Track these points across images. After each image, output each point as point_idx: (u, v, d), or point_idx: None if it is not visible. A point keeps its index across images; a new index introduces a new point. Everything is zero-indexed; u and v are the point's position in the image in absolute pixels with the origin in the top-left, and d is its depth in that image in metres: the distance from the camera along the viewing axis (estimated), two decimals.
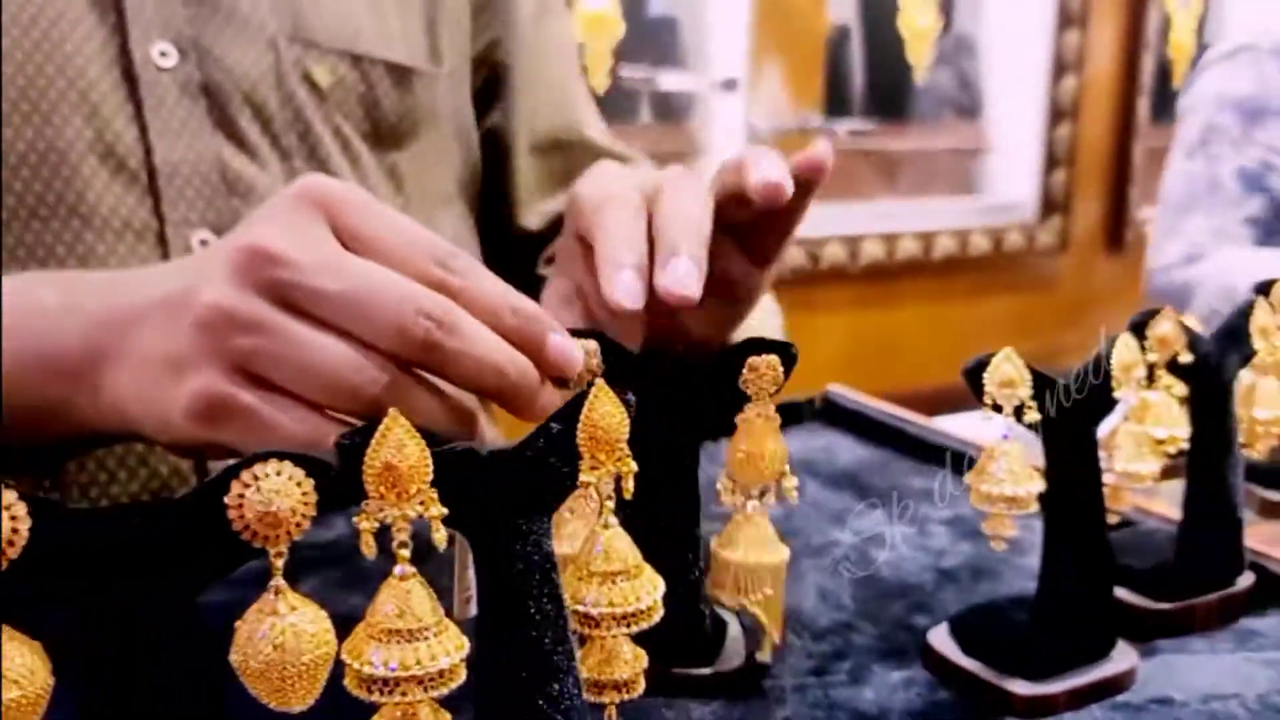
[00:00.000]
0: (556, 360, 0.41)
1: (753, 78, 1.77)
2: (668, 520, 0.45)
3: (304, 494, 0.29)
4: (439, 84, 0.73)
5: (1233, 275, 1.37)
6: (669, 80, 1.79)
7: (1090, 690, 0.44)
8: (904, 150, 1.99)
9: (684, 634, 0.45)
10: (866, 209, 1.84)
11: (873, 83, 1.98)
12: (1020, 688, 0.43)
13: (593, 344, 0.43)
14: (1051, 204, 1.99)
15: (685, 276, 0.45)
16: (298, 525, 0.29)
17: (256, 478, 0.28)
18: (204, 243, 0.64)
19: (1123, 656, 0.46)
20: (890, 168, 1.99)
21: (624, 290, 0.45)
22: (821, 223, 1.80)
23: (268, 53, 0.65)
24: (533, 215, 0.80)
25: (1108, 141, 2.05)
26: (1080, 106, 1.99)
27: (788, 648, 0.48)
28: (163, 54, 0.63)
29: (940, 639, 0.47)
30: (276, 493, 0.28)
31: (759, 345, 0.44)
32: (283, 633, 0.29)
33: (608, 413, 0.34)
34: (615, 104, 1.77)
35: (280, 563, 0.29)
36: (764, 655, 0.45)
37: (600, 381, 0.34)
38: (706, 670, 0.45)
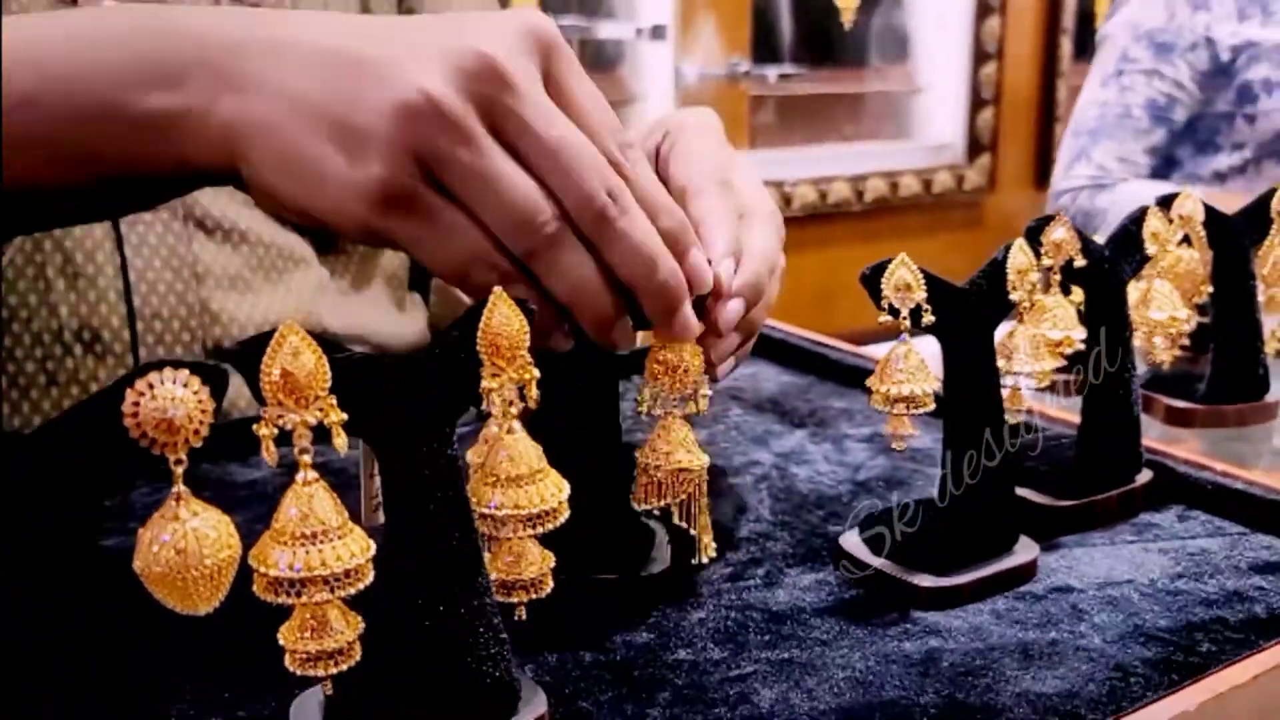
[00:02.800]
0: (691, 273, 0.42)
1: (681, 24, 1.77)
2: (589, 432, 0.46)
3: (200, 401, 0.29)
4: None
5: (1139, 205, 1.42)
6: (597, 28, 1.78)
7: (992, 581, 0.46)
8: (833, 94, 2.00)
9: (609, 542, 0.46)
10: (797, 154, 1.86)
11: (801, 28, 1.98)
12: (925, 581, 0.45)
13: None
14: (979, 144, 2.02)
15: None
16: (195, 432, 0.29)
17: (151, 385, 0.29)
18: None
19: (1025, 550, 0.48)
20: (820, 112, 2.00)
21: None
22: (754, 169, 1.81)
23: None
24: None
25: (1033, 81, 2.07)
26: (1004, 47, 2.01)
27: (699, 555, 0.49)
28: None
29: (851, 541, 0.48)
30: (172, 400, 0.29)
31: None
32: (184, 537, 0.29)
33: (506, 319, 0.35)
34: None
35: (180, 470, 0.29)
36: (698, 558, 0.47)
37: (498, 289, 0.35)
38: (628, 576, 0.46)
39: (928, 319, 0.43)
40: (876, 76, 2.06)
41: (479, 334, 0.34)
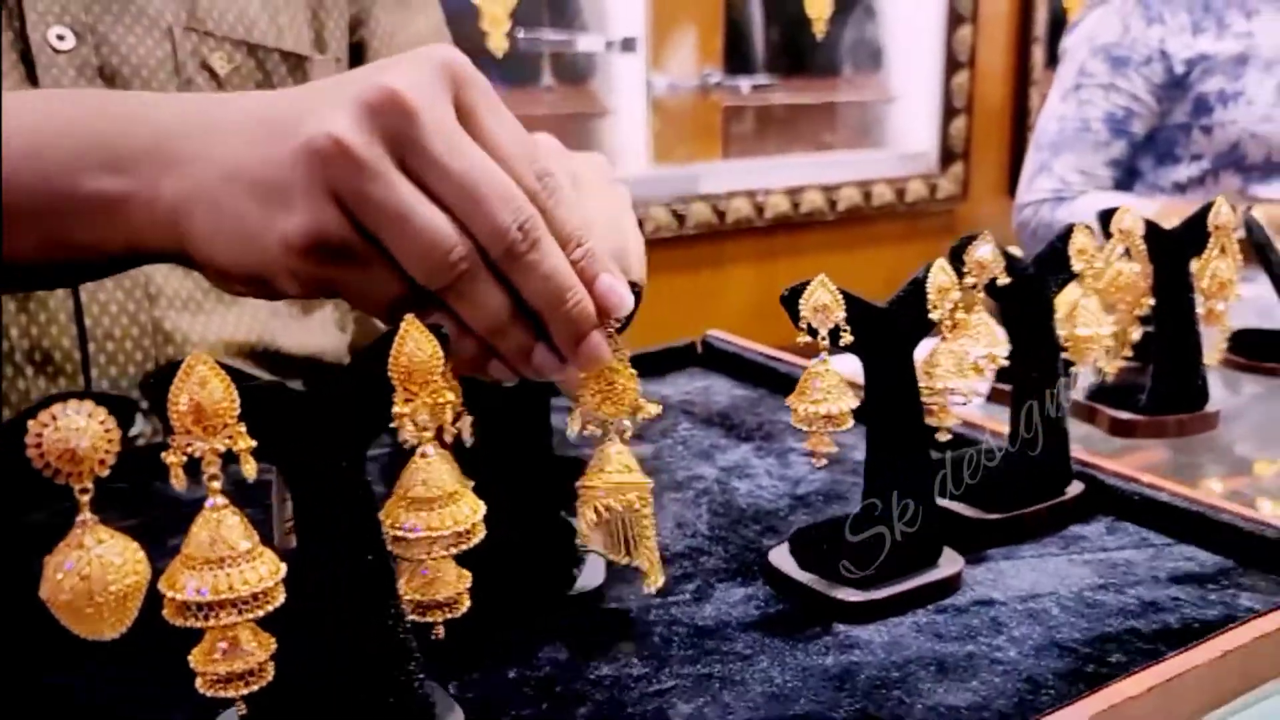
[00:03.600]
0: (604, 297, 0.42)
1: (653, 36, 1.78)
2: (520, 448, 0.47)
3: (106, 431, 0.30)
4: (330, 70, 0.76)
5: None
6: (568, 42, 1.79)
7: (914, 594, 0.47)
8: (806, 104, 2.02)
9: (541, 559, 0.47)
10: (770, 164, 1.87)
11: (773, 38, 2.00)
12: (849, 595, 0.46)
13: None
14: (951, 153, 2.03)
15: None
16: (101, 462, 0.30)
17: (55, 417, 0.29)
18: None
19: (949, 564, 0.49)
20: (793, 122, 2.01)
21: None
22: (727, 179, 1.82)
23: (164, 41, 0.67)
24: None
25: (1005, 90, 2.09)
26: (976, 56, 2.03)
27: (638, 573, 0.50)
28: (59, 37, 0.64)
29: (780, 556, 0.49)
30: (76, 430, 0.29)
31: None
32: (89, 564, 0.30)
33: (419, 346, 0.36)
34: (516, 67, 1.76)
35: (86, 499, 0.30)
36: (651, 586, 0.46)
37: (410, 316, 0.36)
38: (558, 594, 0.47)
39: (846, 339, 0.44)
40: (850, 86, 2.08)
41: (391, 361, 0.35)
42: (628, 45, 1.79)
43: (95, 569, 0.30)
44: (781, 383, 0.77)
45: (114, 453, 0.30)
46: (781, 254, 1.90)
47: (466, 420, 0.47)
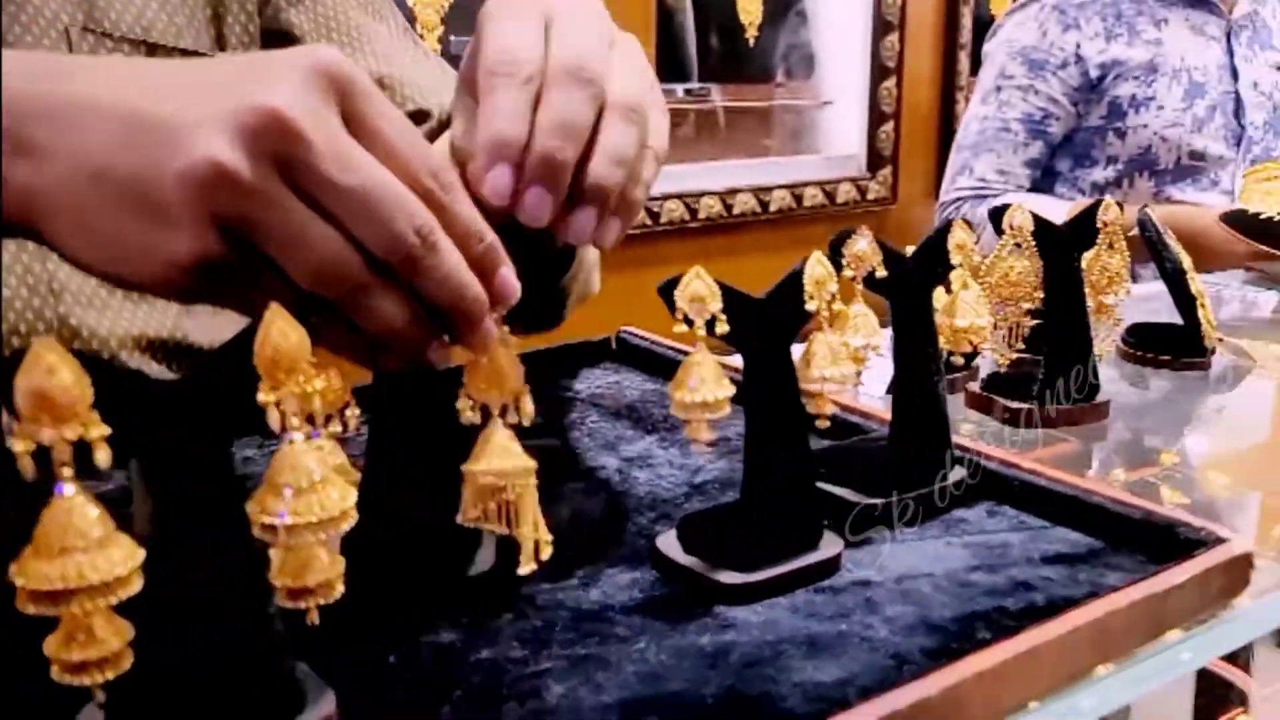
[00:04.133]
0: (500, 290, 0.43)
1: None
2: (415, 433, 0.47)
3: None
4: None
5: None
6: None
7: (793, 576, 0.48)
8: (739, 109, 2.04)
9: (433, 543, 0.48)
10: (703, 168, 1.89)
11: (706, 44, 2.02)
12: (728, 578, 0.47)
13: None
14: (880, 157, 2.07)
15: (535, 208, 0.45)
16: None
17: None
18: None
19: (829, 546, 0.50)
20: (727, 126, 2.03)
21: (493, 188, 0.44)
22: (661, 182, 1.83)
23: (60, 42, 0.66)
24: None
25: (931, 95, 2.13)
26: (903, 63, 2.07)
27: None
28: None
29: (667, 542, 0.50)
30: None
31: None
32: None
33: (284, 333, 0.36)
34: None
35: None
36: (524, 568, 0.47)
37: (275, 305, 0.36)
38: (447, 578, 0.48)
39: (721, 328, 0.45)
40: (783, 91, 2.10)
41: (256, 349, 0.36)
42: None
43: None
44: None
45: None
46: (715, 255, 1.92)
47: (354, 410, 0.48)
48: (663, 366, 0.81)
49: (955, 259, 0.56)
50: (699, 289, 0.45)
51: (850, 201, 2.05)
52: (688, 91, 2.00)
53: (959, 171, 1.61)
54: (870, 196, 2.07)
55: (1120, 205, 0.74)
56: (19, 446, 0.31)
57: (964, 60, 2.16)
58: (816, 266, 0.49)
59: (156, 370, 0.70)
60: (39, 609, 0.32)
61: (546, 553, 0.46)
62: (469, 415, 0.48)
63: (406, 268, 0.40)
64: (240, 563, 0.36)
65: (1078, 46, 1.55)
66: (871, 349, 0.51)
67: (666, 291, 0.45)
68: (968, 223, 0.57)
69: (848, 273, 0.52)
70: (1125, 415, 0.81)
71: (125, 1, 0.70)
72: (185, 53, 0.72)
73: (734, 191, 1.91)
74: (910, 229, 2.18)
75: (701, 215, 1.87)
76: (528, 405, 0.48)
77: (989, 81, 1.61)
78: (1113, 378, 0.90)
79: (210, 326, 0.75)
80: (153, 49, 0.70)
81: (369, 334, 0.41)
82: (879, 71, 2.03)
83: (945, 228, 0.56)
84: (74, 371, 0.32)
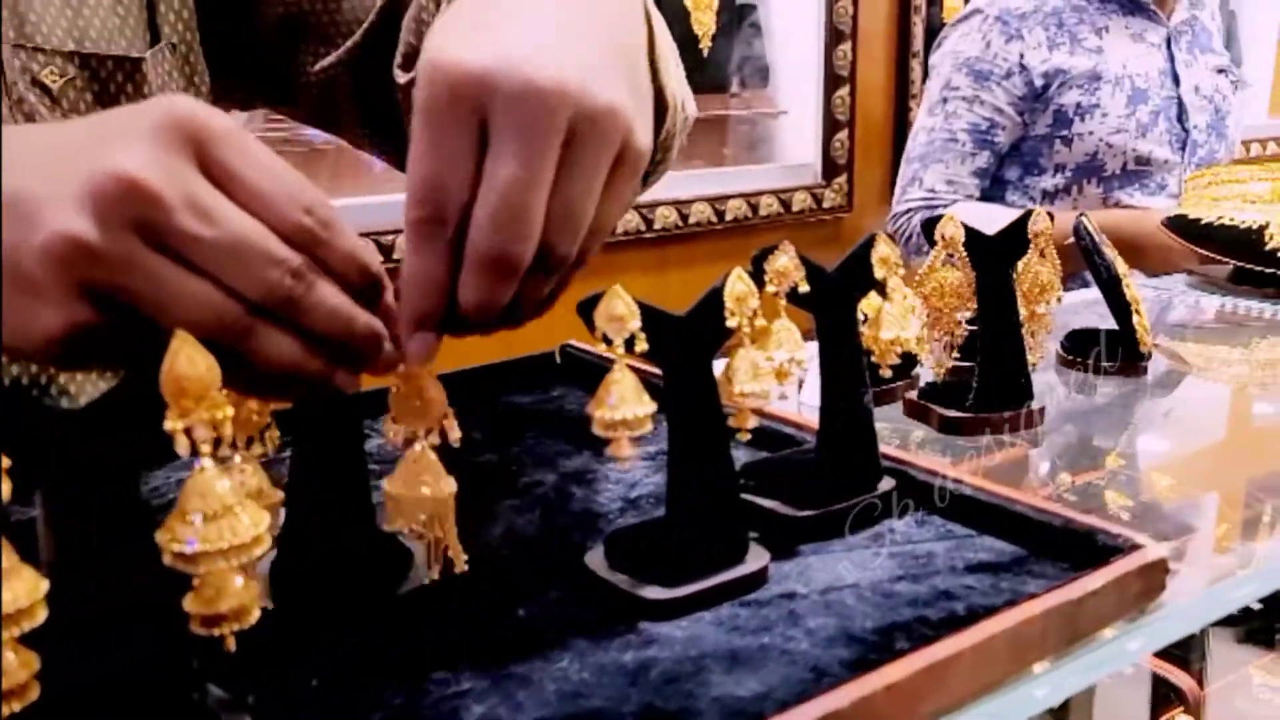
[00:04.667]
0: (386, 314, 0.44)
1: None
2: (340, 449, 0.48)
3: None
4: (165, 60, 0.74)
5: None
6: None
7: (718, 590, 0.49)
8: (694, 119, 2.04)
9: (360, 563, 0.48)
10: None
11: None
12: (652, 593, 0.48)
13: None
14: (835, 166, 2.09)
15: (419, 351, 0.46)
16: None
17: None
18: None
19: (755, 559, 0.51)
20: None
21: (414, 355, 0.46)
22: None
23: None
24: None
25: (885, 104, 2.16)
26: (856, 72, 2.09)
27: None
28: None
29: (595, 558, 0.51)
30: None
31: None
32: None
33: (191, 362, 0.36)
34: None
35: None
36: (430, 577, 0.49)
37: (181, 332, 0.36)
38: (371, 598, 0.48)
39: (641, 346, 0.46)
40: (737, 101, 2.12)
41: (162, 377, 0.36)
42: None
43: None
44: None
45: None
46: (672, 264, 1.93)
47: (273, 433, 0.48)
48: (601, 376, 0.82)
49: (879, 272, 0.56)
50: (618, 308, 0.46)
51: (806, 210, 2.07)
52: None
53: (909, 183, 1.63)
54: (825, 204, 2.09)
55: (1051, 216, 0.75)
56: None
57: (916, 69, 2.18)
58: (737, 283, 0.49)
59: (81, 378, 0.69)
60: None
61: (461, 568, 0.48)
62: (394, 439, 0.49)
63: (289, 309, 0.40)
64: (149, 588, 0.36)
65: (1021, 56, 1.58)
66: (795, 364, 0.52)
67: (585, 310, 0.46)
68: (891, 236, 0.58)
69: (770, 288, 0.52)
70: (1066, 421, 0.83)
71: (57, 13, 0.69)
72: (119, 60, 0.71)
73: (689, 201, 1.92)
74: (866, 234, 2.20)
75: (657, 225, 1.88)
76: (453, 430, 0.49)
77: (935, 93, 1.63)
78: (1052, 384, 0.91)
79: None
80: (85, 59, 0.69)
81: (267, 372, 0.41)
82: (832, 80, 2.05)
83: (868, 241, 0.57)
84: None
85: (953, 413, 0.75)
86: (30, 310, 0.38)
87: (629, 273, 1.89)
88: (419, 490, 0.48)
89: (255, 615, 0.39)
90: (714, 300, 0.49)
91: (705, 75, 2.11)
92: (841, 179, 2.10)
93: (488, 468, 0.67)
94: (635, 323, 0.46)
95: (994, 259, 0.74)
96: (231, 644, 0.39)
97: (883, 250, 0.57)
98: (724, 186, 1.97)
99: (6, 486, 0.33)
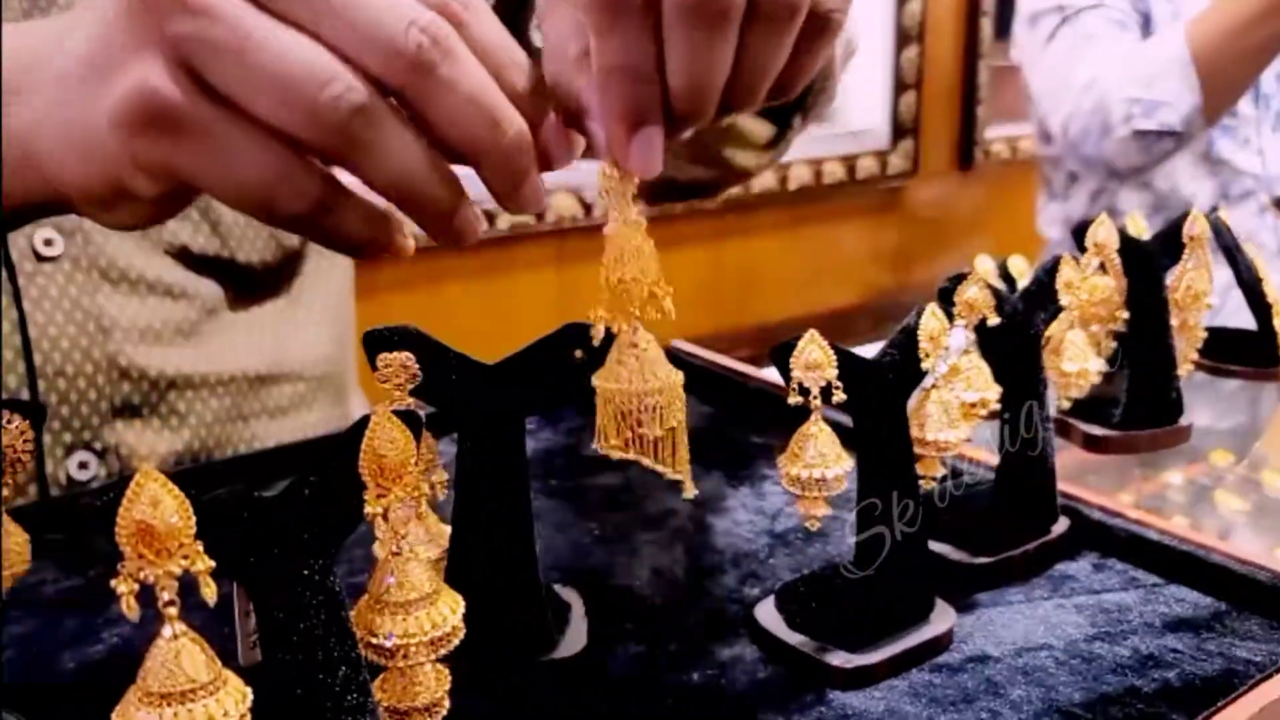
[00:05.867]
0: (548, 140, 0.35)
1: None
2: (497, 507, 0.44)
3: (22, 432, 0.33)
4: None
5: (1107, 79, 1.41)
6: None
7: (908, 655, 0.45)
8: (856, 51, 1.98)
9: (519, 622, 0.45)
10: None
11: None
12: (839, 660, 0.44)
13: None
14: (901, 128, 2.02)
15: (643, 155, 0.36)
16: (17, 460, 0.33)
17: None
18: (48, 242, 0.60)
19: (941, 618, 0.47)
20: None
21: (640, 159, 0.36)
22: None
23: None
24: None
25: (954, 63, 2.08)
26: (925, 29, 2.01)
27: (620, 631, 0.48)
28: None
29: (766, 613, 0.47)
30: None
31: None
32: None
33: (391, 439, 0.33)
34: None
35: (7, 490, 0.33)
36: (687, 494, 0.43)
37: (380, 408, 0.33)
38: (539, 661, 0.45)
39: (838, 397, 0.42)
40: None
41: (361, 456, 0.32)
42: None
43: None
44: (749, 399, 0.75)
45: (30, 450, 0.33)
46: (733, 234, 1.88)
47: (441, 474, 0.45)
48: (717, 386, 0.78)
49: (1064, 299, 0.52)
50: (815, 355, 0.42)
51: (871, 176, 2.00)
52: None
53: (1062, 89, 1.44)
54: (891, 170, 2.03)
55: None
56: (123, 587, 0.28)
57: (986, 26, 2.10)
58: (931, 320, 0.45)
59: (201, 406, 0.66)
60: None
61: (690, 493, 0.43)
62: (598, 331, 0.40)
63: (416, 83, 0.31)
64: (346, 685, 0.33)
65: None
66: (983, 405, 0.48)
67: (781, 358, 0.42)
68: (1076, 258, 0.53)
69: (959, 321, 0.48)
70: (1195, 422, 0.79)
71: None
72: None
73: None
74: (934, 201, 2.13)
75: (719, 198, 1.83)
76: (667, 304, 0.39)
77: (1045, 30, 1.50)
78: (1184, 387, 0.87)
79: (266, 348, 0.71)
80: None
81: (380, 192, 0.33)
82: (901, 39, 1.98)
83: (1053, 265, 0.53)
84: (178, 501, 0.29)
85: (1098, 430, 0.70)
86: (96, 95, 0.32)
87: (690, 243, 1.84)
88: (644, 384, 0.39)
89: (447, 708, 0.36)
90: (908, 340, 0.45)
91: None
92: (908, 143, 2.03)
93: (612, 492, 0.63)
94: (833, 370, 0.42)
95: (1147, 265, 0.69)
96: None
97: (1067, 275, 0.53)
98: (787, 153, 1.91)
99: (210, 591, 0.30)
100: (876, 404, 0.44)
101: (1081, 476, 0.71)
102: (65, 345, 0.61)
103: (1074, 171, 1.67)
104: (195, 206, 0.65)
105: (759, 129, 0.67)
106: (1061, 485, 0.56)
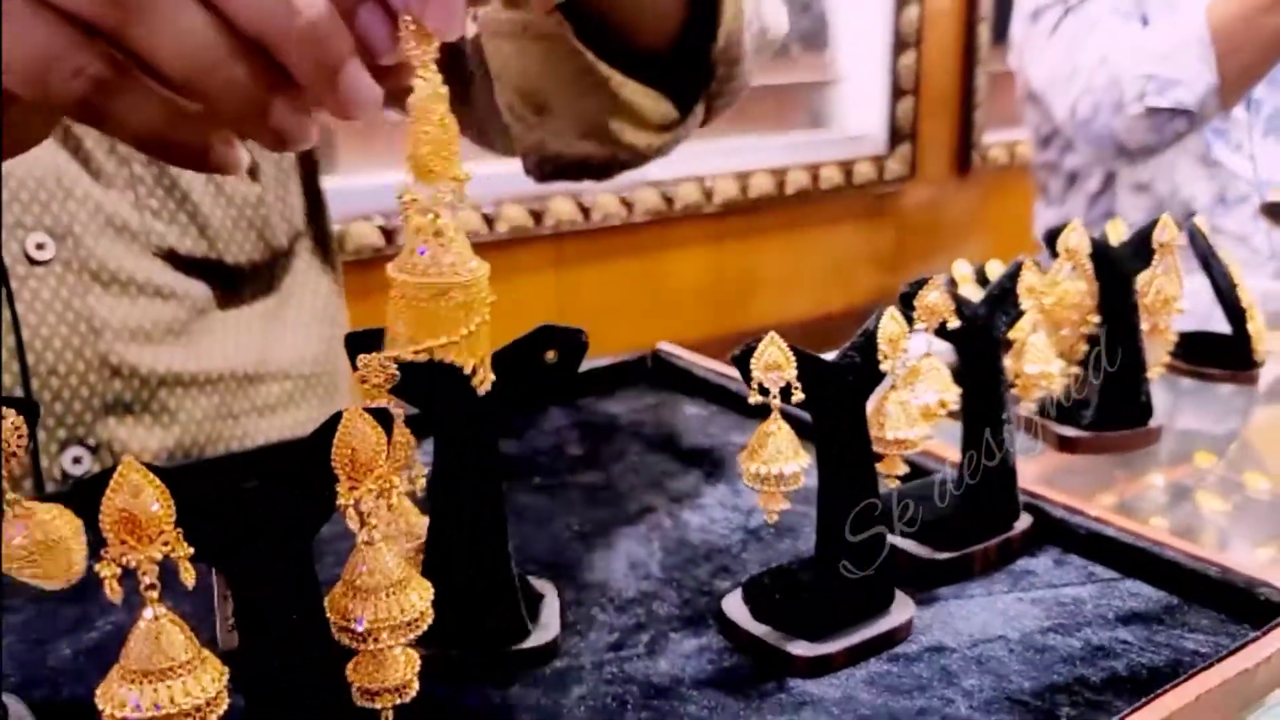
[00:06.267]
0: (366, 23, 0.33)
1: None
2: (472, 503, 0.46)
3: (16, 427, 0.35)
4: None
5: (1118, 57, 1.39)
6: None
7: (867, 646, 0.47)
8: (753, 86, 2.00)
9: (492, 612, 0.46)
10: (718, 148, 1.86)
11: None
12: (800, 649, 0.46)
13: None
14: (899, 133, 2.03)
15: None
16: (13, 454, 0.35)
17: None
18: (40, 245, 0.63)
19: (900, 610, 0.49)
20: (741, 105, 2.00)
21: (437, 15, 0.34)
22: (675, 165, 1.81)
23: None
24: None
25: (951, 68, 2.09)
26: (923, 35, 2.03)
27: (593, 622, 0.50)
28: None
29: (733, 605, 0.49)
30: None
31: (550, 333, 0.46)
32: (28, 526, 0.35)
33: (362, 433, 0.35)
34: None
35: (6, 481, 0.35)
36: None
37: (353, 408, 0.35)
38: (511, 649, 0.47)
39: (797, 396, 0.44)
40: (796, 67, 2.07)
41: (334, 449, 0.34)
42: None
43: (36, 528, 0.35)
44: (732, 401, 0.77)
45: (23, 445, 0.35)
46: (732, 236, 1.90)
47: (419, 468, 0.47)
48: (703, 388, 0.80)
49: (1025, 303, 0.54)
50: (775, 356, 0.44)
51: (868, 181, 2.02)
52: None
53: (1071, 75, 1.42)
54: (888, 175, 2.04)
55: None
56: (106, 571, 0.30)
57: (984, 32, 2.12)
58: (890, 323, 0.47)
59: (191, 404, 0.69)
60: None
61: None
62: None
63: None
64: (320, 666, 0.35)
65: None
66: (942, 405, 0.50)
67: (742, 361, 0.44)
68: (1037, 263, 0.55)
69: (919, 325, 0.50)
70: (1169, 424, 0.80)
71: None
72: None
73: (749, 173, 1.88)
74: (931, 205, 2.15)
75: (717, 199, 1.85)
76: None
77: (1046, 24, 1.50)
78: (1156, 387, 0.88)
79: (254, 346, 0.73)
80: None
81: (175, 86, 0.32)
82: (898, 46, 1.99)
83: (1015, 270, 0.55)
84: (158, 490, 0.31)
85: (1070, 431, 0.72)
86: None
87: (688, 246, 1.86)
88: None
89: (415, 690, 0.38)
90: (868, 343, 0.47)
91: None
92: (905, 148, 2.05)
93: (593, 490, 0.65)
94: (792, 371, 0.44)
95: (1118, 270, 0.71)
96: (389, 717, 0.38)
97: (1029, 280, 0.54)
98: (783, 157, 1.93)
99: (189, 576, 0.32)
100: (835, 403, 0.46)
101: (1065, 479, 0.72)
102: (58, 345, 0.63)
103: (1072, 174, 1.68)
104: (184, 210, 0.67)
105: (651, 105, 0.67)
106: (1031, 485, 0.58)
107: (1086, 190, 1.66)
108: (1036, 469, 0.73)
